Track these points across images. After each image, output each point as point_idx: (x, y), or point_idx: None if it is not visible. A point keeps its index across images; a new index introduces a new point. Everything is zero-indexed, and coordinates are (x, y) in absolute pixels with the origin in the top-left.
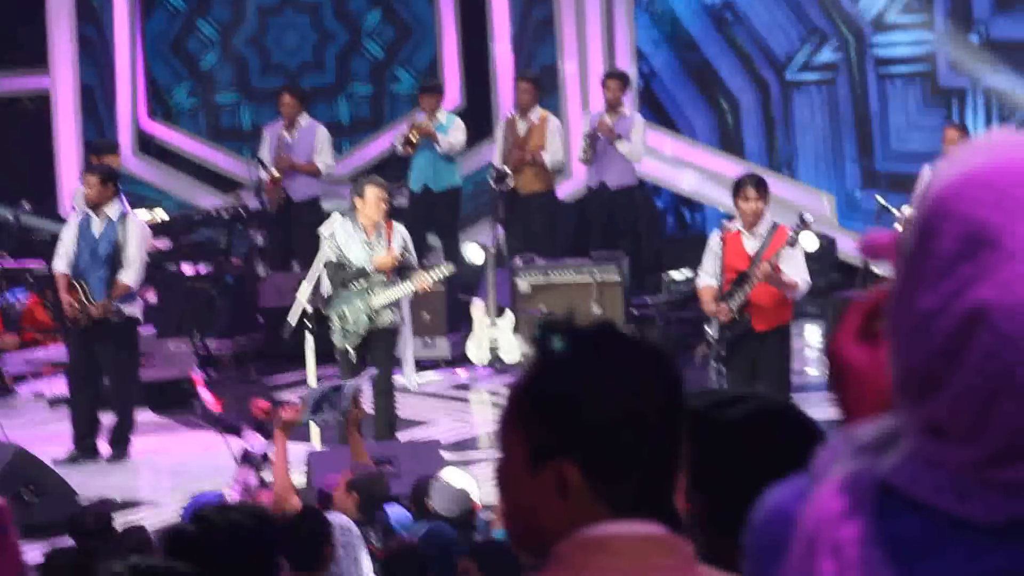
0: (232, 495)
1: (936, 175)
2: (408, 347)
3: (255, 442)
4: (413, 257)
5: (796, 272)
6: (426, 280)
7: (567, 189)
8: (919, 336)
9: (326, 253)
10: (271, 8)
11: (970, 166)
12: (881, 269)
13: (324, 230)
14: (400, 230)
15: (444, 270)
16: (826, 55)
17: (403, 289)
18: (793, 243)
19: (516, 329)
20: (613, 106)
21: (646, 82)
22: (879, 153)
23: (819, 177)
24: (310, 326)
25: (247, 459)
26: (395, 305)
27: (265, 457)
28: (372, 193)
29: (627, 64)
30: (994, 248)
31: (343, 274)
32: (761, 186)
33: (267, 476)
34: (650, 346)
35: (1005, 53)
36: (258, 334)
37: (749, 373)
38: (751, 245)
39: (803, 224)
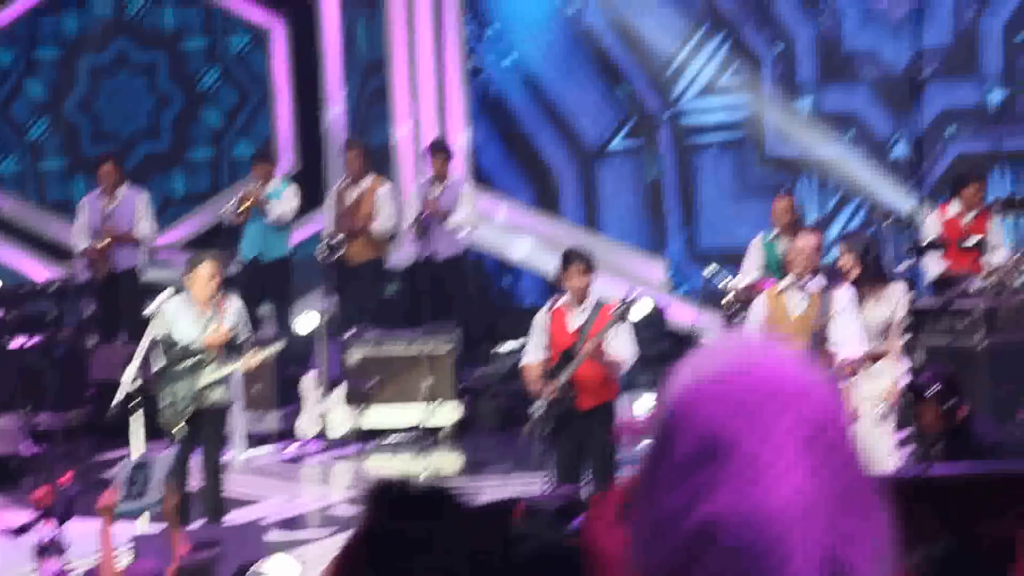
0: None
1: (677, 378)
2: (239, 425)
3: (46, 531)
4: (247, 333)
5: (622, 348)
6: (255, 360)
7: (397, 257)
8: (658, 539)
9: (153, 331)
10: (104, 68)
11: (709, 373)
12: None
13: (152, 307)
14: (234, 305)
15: (273, 349)
16: (641, 129)
17: (231, 368)
18: (618, 320)
19: (348, 401)
20: (440, 177)
21: (478, 151)
22: (704, 222)
23: (651, 245)
24: (134, 407)
25: (43, 551)
26: (225, 382)
27: (59, 541)
28: (204, 270)
29: (459, 130)
30: (729, 457)
31: (171, 352)
32: (587, 262)
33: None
34: (479, 511)
35: (834, 124)
36: (89, 408)
37: (576, 451)
38: (577, 321)
39: (628, 303)
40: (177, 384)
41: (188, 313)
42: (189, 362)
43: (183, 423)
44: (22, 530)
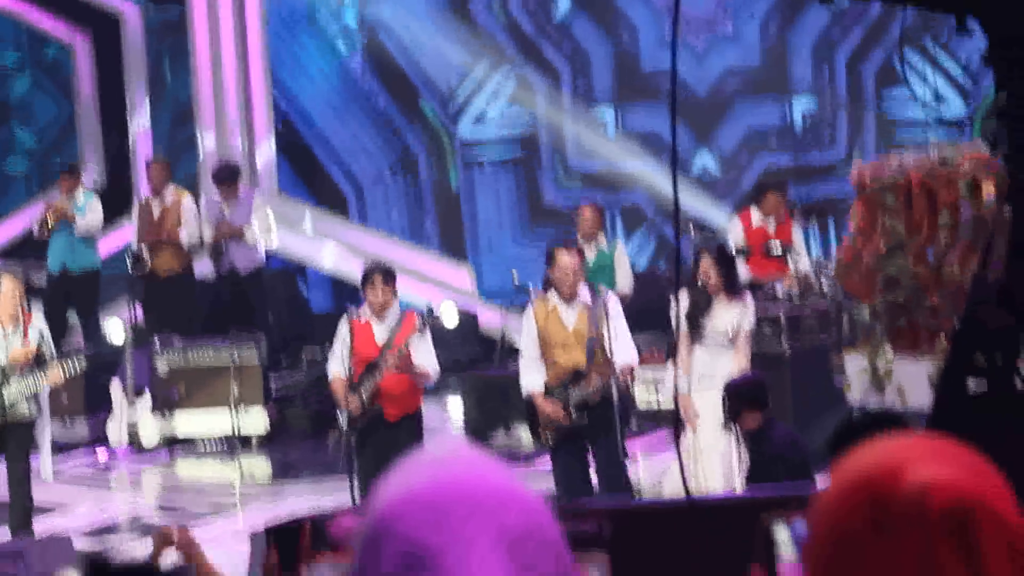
0: None
1: (382, 491)
2: (45, 436)
3: None
4: (50, 348)
5: (425, 360)
6: (59, 374)
7: (205, 267)
8: None
9: None
10: None
11: (412, 484)
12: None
13: None
14: (38, 321)
15: (77, 364)
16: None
17: (35, 382)
18: (422, 333)
19: (155, 409)
20: (228, 198)
21: (289, 156)
22: (519, 230)
23: (458, 253)
24: None
25: None
26: (33, 396)
27: None
28: (4, 287)
29: (265, 146)
30: (433, 570)
31: None
32: (388, 275)
33: None
34: None
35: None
36: None
37: (382, 461)
38: (380, 333)
39: (430, 315)
40: None
41: None
42: None
43: None
44: None
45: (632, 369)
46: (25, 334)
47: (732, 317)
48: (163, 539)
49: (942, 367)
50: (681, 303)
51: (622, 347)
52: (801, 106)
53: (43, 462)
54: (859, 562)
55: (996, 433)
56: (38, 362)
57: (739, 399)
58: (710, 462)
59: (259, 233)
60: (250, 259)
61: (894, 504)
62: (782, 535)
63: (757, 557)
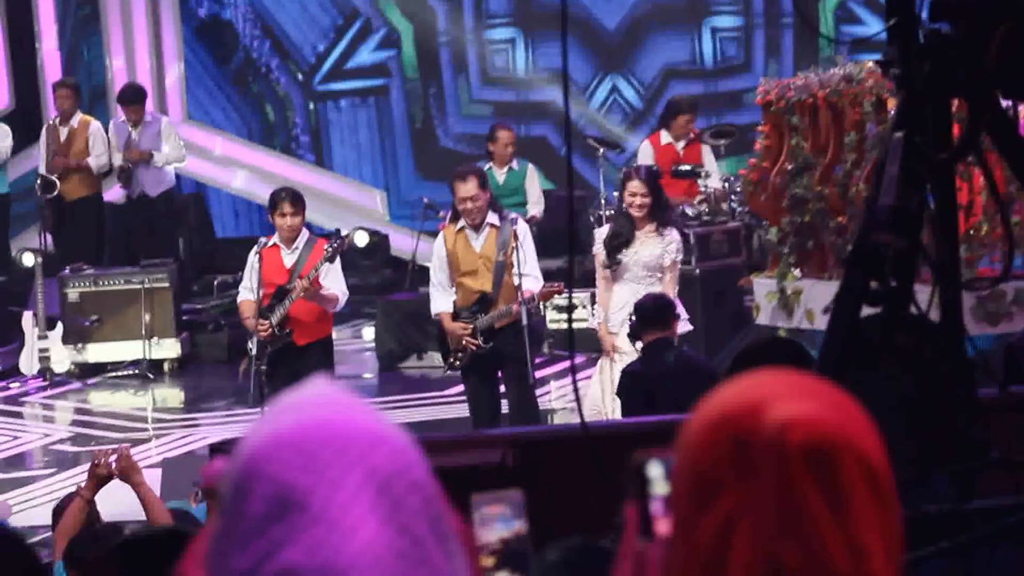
0: None
1: (249, 434)
2: None
3: None
4: None
5: (335, 285)
6: None
7: (115, 193)
8: None
9: None
10: None
11: (280, 427)
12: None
13: None
14: None
15: None
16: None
17: None
18: (332, 259)
19: (67, 338)
20: (135, 122)
21: (191, 82)
22: (430, 149)
23: (372, 175)
24: None
25: None
26: None
27: None
28: None
29: (173, 61)
30: (302, 511)
31: None
32: (296, 200)
33: None
34: None
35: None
36: None
37: (293, 387)
38: (289, 260)
39: (340, 239)
40: None
41: None
42: None
43: None
44: None
45: (543, 293)
46: None
47: (656, 250)
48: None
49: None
50: (599, 234)
51: (528, 272)
52: (716, 29)
53: None
54: (722, 500)
55: (889, 359)
56: None
57: (642, 318)
58: None
59: (168, 156)
60: (159, 182)
61: (755, 441)
62: (655, 471)
63: (630, 494)
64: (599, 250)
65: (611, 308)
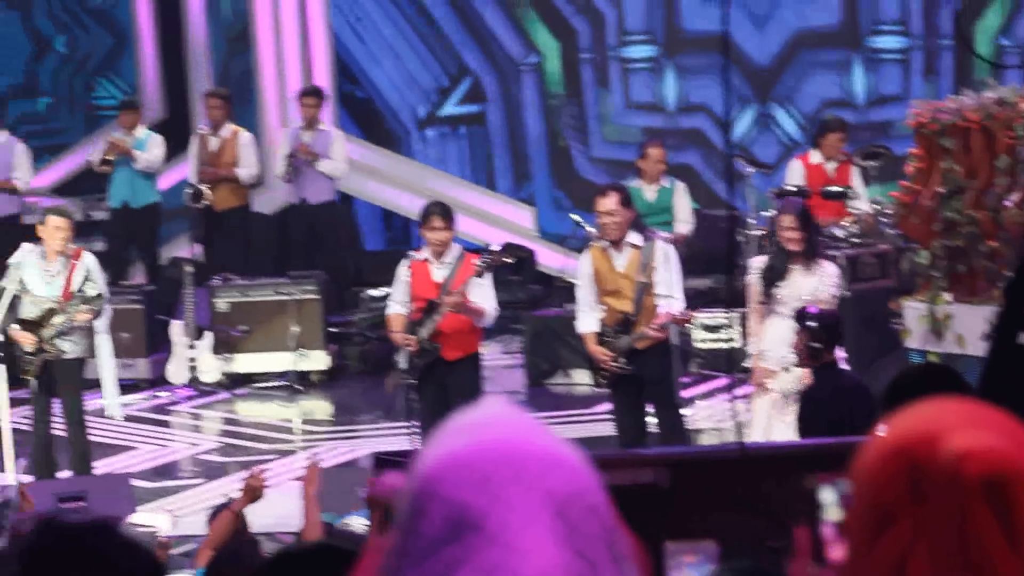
0: None
1: (425, 453)
2: (109, 372)
3: None
4: (98, 287)
5: (484, 300)
6: (86, 313)
7: (267, 203)
8: None
9: (10, 283)
10: None
11: (457, 447)
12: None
13: (13, 259)
14: (87, 261)
15: (97, 304)
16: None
17: (68, 320)
18: (481, 274)
19: (216, 348)
20: (311, 123)
21: (350, 93)
22: (578, 165)
23: (519, 190)
24: (1, 356)
25: None
26: (81, 334)
27: None
28: (50, 223)
29: (325, 75)
30: (477, 532)
31: (25, 303)
32: (447, 215)
33: None
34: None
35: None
36: None
37: (441, 401)
38: (439, 274)
39: (491, 255)
40: (29, 334)
41: (40, 267)
42: (38, 313)
43: (34, 373)
44: None
45: (676, 317)
46: (70, 274)
47: (812, 283)
48: (252, 492)
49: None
50: (755, 264)
51: (669, 294)
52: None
53: (107, 399)
54: (898, 528)
55: None
56: (84, 300)
57: (808, 331)
58: (777, 434)
59: (335, 167)
60: (323, 191)
61: (932, 471)
62: (827, 496)
63: (801, 519)
64: (755, 281)
65: (767, 343)
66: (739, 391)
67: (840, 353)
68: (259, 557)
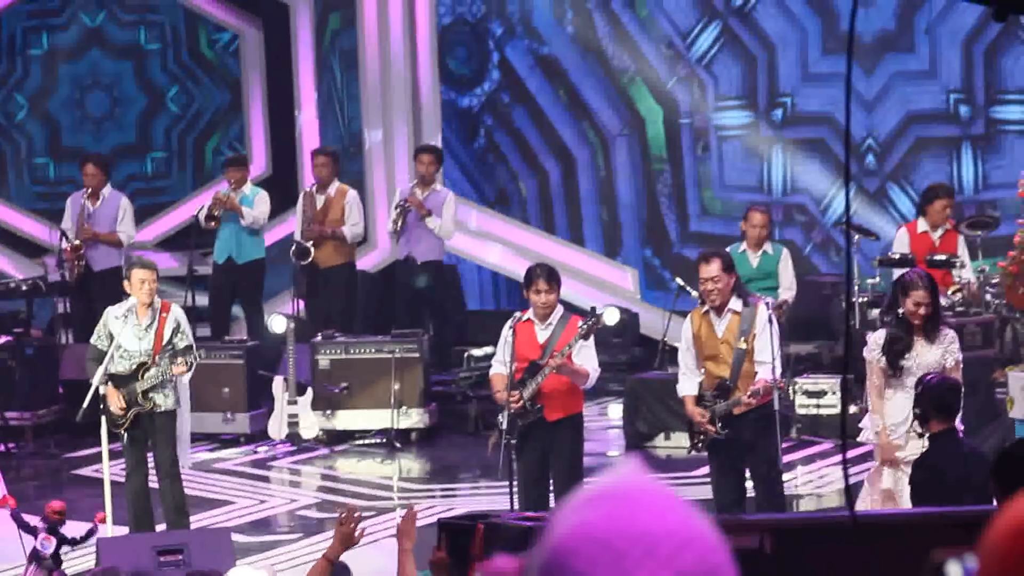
0: None
1: (559, 521)
2: (185, 427)
3: (47, 543)
4: (188, 340)
5: (587, 362)
6: (182, 366)
7: (370, 260)
8: None
9: (102, 339)
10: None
11: (590, 520)
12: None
13: (109, 311)
14: (176, 314)
15: (191, 359)
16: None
17: (161, 374)
18: (586, 336)
19: (316, 405)
20: (426, 181)
21: (452, 157)
22: (682, 231)
23: (624, 252)
24: (103, 408)
25: (36, 558)
26: (170, 387)
27: (56, 558)
28: (135, 276)
29: (433, 136)
30: None
31: (117, 361)
32: (552, 277)
33: None
34: None
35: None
36: (58, 406)
37: (542, 463)
38: (543, 335)
39: (595, 318)
40: (121, 389)
41: (130, 320)
42: (129, 368)
43: (126, 427)
44: (27, 530)
45: (770, 384)
46: (161, 327)
47: (938, 352)
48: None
49: None
50: (875, 339)
51: (765, 360)
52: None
53: (180, 452)
54: None
55: None
56: (174, 354)
57: (929, 401)
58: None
59: (444, 226)
60: (431, 249)
61: None
62: (954, 570)
63: None
64: (876, 357)
65: (894, 418)
66: (847, 456)
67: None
68: None
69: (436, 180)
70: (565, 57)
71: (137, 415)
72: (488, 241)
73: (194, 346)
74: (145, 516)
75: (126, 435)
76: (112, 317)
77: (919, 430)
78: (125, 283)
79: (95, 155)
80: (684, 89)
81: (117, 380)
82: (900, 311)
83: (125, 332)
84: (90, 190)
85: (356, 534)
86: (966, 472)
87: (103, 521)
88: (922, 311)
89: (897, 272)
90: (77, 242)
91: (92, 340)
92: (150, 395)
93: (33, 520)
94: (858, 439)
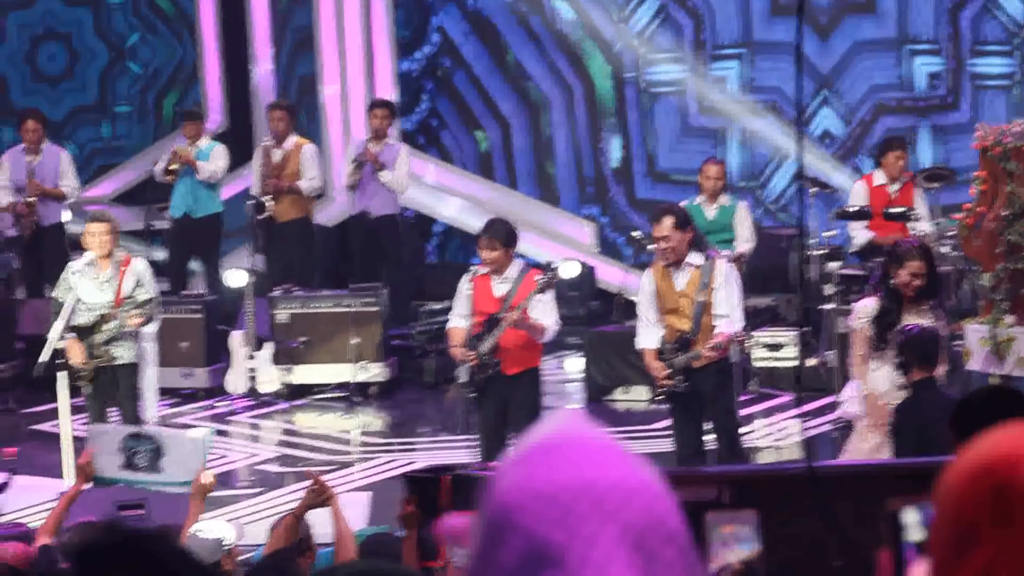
0: None
1: (502, 477)
2: (151, 380)
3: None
4: (149, 294)
5: (545, 316)
6: (137, 318)
7: (328, 214)
8: None
9: (63, 292)
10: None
11: (535, 475)
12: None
13: (70, 266)
14: (137, 267)
15: (147, 310)
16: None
17: (119, 326)
18: (543, 291)
19: (275, 359)
20: (379, 135)
21: (410, 111)
22: (638, 181)
23: (580, 204)
24: (60, 363)
25: None
26: (131, 340)
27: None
28: (87, 229)
29: (388, 89)
30: (557, 567)
31: (79, 313)
32: (496, 234)
33: None
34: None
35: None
36: (16, 361)
37: (500, 415)
38: (500, 289)
39: (551, 272)
40: (83, 342)
41: (90, 273)
42: (89, 320)
43: (87, 379)
44: None
45: (731, 337)
46: (121, 280)
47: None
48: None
49: None
50: (863, 308)
51: (727, 314)
52: (924, 64)
53: (146, 405)
54: (980, 549)
55: None
56: (136, 306)
57: (911, 349)
58: None
59: (398, 180)
60: (386, 203)
61: (1015, 494)
62: (911, 517)
63: (884, 541)
64: (863, 326)
65: (878, 388)
66: (804, 410)
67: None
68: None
69: (390, 135)
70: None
71: (99, 368)
72: (445, 195)
73: (157, 299)
74: None
75: (89, 388)
76: (72, 271)
77: (902, 381)
78: (82, 238)
79: (32, 109)
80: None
81: (80, 332)
82: (892, 282)
83: (86, 285)
84: (31, 145)
85: (324, 495)
86: (945, 418)
87: (14, 456)
88: (917, 282)
89: (854, 225)
90: (31, 199)
91: (53, 293)
92: (109, 348)
93: None
94: (837, 413)
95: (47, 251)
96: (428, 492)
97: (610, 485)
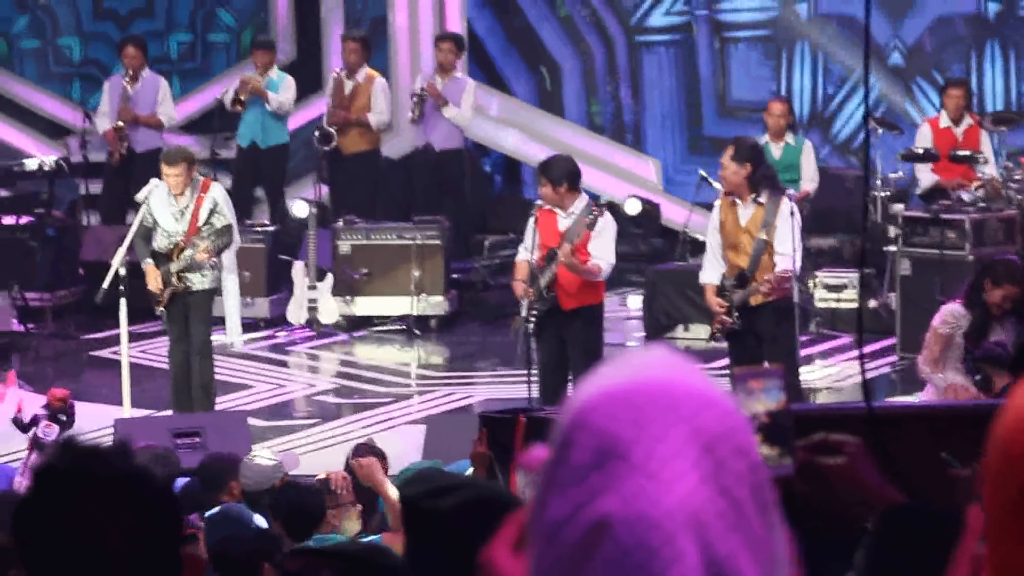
0: (21, 481)
1: (580, 389)
2: (233, 309)
3: (49, 430)
4: (225, 220)
5: (602, 253)
6: (208, 247)
7: (394, 147)
8: (549, 543)
9: (141, 218)
10: None
11: (611, 383)
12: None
13: (140, 195)
14: (214, 193)
15: (219, 241)
16: (664, 19)
17: (191, 255)
18: (591, 226)
19: (336, 291)
20: (445, 68)
21: (474, 41)
22: (708, 119)
23: (646, 142)
24: (123, 290)
25: (37, 446)
26: (207, 267)
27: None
28: (166, 171)
29: (457, 23)
30: (623, 461)
31: (155, 238)
32: (550, 172)
33: None
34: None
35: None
36: (78, 288)
37: (560, 350)
38: (563, 223)
39: (598, 207)
40: (160, 268)
41: (167, 203)
42: (166, 247)
43: (163, 305)
44: (24, 427)
45: (786, 276)
46: (197, 209)
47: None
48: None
49: None
50: (951, 313)
51: (785, 252)
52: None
53: (231, 332)
54: None
55: None
56: (212, 233)
57: (987, 364)
58: None
59: (462, 116)
60: (450, 137)
61: None
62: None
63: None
64: (946, 332)
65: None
66: (864, 352)
67: None
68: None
69: (456, 68)
70: None
71: (174, 293)
72: (507, 128)
73: (233, 225)
74: (181, 394)
75: (165, 312)
76: (155, 196)
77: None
78: (163, 166)
79: (133, 36)
80: None
81: (157, 259)
82: (984, 296)
83: (164, 213)
84: (131, 72)
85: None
86: None
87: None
88: (1008, 305)
89: (919, 167)
90: (120, 124)
91: (137, 217)
92: (185, 275)
93: (36, 406)
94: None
95: (139, 178)
96: (502, 432)
97: (685, 392)
